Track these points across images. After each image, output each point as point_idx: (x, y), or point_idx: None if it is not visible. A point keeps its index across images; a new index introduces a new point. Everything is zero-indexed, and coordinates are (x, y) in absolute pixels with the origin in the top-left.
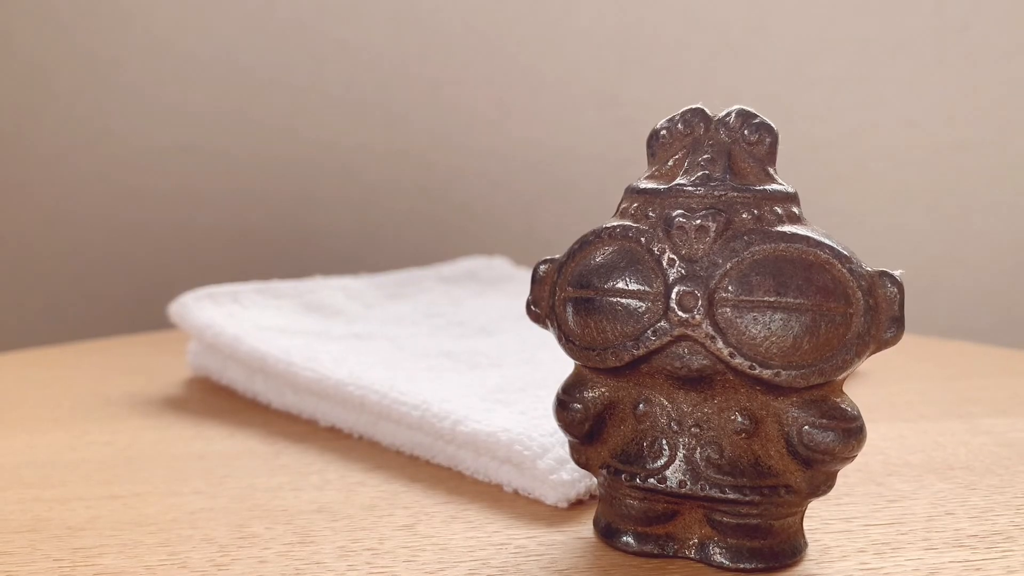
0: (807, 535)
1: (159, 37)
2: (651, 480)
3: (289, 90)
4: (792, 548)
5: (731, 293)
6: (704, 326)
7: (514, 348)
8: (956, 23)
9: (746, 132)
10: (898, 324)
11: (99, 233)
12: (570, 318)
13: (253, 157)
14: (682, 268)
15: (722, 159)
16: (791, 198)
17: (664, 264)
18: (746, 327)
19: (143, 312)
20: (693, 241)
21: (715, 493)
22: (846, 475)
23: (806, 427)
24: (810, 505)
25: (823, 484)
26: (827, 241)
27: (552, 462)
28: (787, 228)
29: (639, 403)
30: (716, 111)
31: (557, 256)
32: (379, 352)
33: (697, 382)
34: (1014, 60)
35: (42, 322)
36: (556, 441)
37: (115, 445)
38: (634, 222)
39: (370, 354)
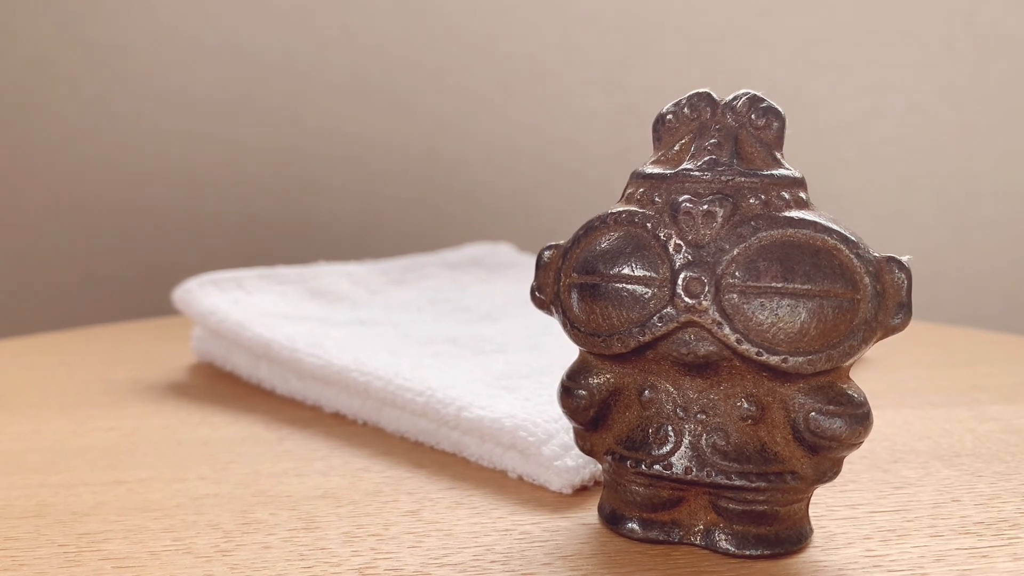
0: (813, 521)
1: (164, 23)
2: (656, 467)
3: (293, 77)
4: (798, 535)
5: (738, 279)
6: (711, 312)
7: (519, 334)
8: (963, 9)
9: (753, 116)
10: (905, 310)
11: (103, 219)
12: (575, 304)
13: (257, 143)
14: (689, 254)
15: (729, 144)
16: (798, 183)
17: (671, 250)
18: (753, 313)
19: (147, 298)
20: (700, 226)
21: (721, 480)
22: (852, 462)
23: (813, 413)
24: (816, 492)
25: (829, 470)
26: (835, 226)
27: (557, 448)
28: (794, 213)
29: (644, 389)
30: (722, 96)
31: (562, 242)
32: (383, 338)
33: (703, 368)
34: (1021, 46)
35: (46, 308)
36: (561, 427)
37: (120, 431)
38: (640, 207)
39: (374, 340)
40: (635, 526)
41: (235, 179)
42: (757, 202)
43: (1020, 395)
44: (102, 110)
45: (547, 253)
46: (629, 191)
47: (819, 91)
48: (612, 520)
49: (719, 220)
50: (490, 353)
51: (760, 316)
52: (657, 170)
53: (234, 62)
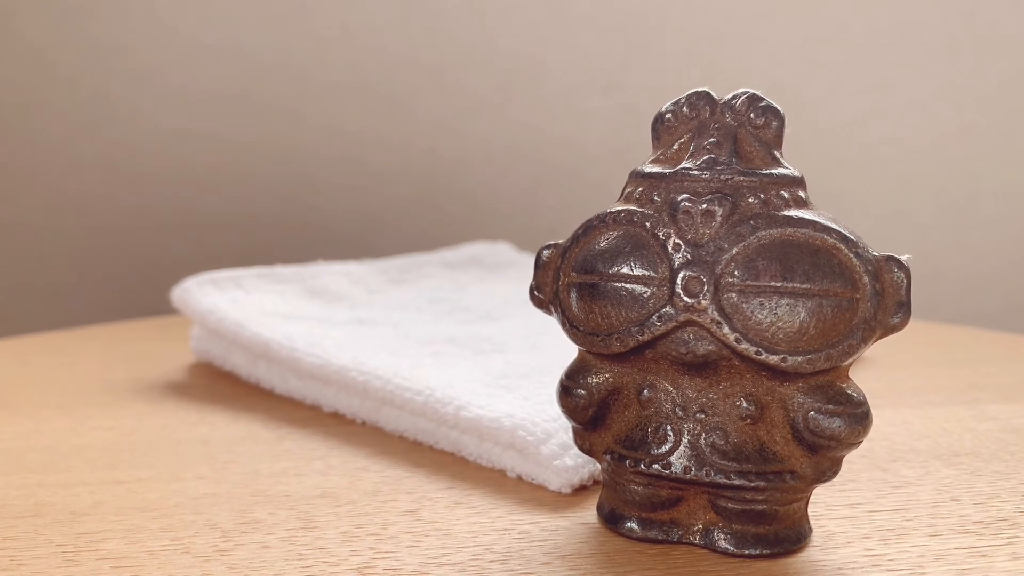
0: (812, 521)
1: (163, 22)
2: (655, 466)
3: (293, 76)
4: (797, 534)
5: (737, 278)
6: (710, 311)
7: (518, 334)
8: (963, 9)
9: (752, 115)
10: (904, 309)
11: (102, 218)
12: (574, 303)
13: (256, 142)
14: (688, 253)
15: (728, 143)
16: (798, 182)
17: (669, 249)
18: (752, 312)
19: (146, 297)
20: (699, 226)
21: (720, 479)
22: (851, 461)
23: (812, 413)
24: (815, 491)
25: (828, 470)
26: (834, 225)
27: (556, 448)
28: (794, 212)
29: (643, 389)
30: (721, 95)
31: (561, 241)
32: (383, 337)
33: (702, 368)
34: (1020, 46)
35: (45, 307)
36: (560, 427)
37: (118, 430)
38: (639, 206)
39: (373, 339)
40: (634, 525)
41: (234, 178)
42: (756, 201)
43: (1020, 394)
44: (102, 109)
45: (546, 252)
46: (628, 190)
47: (819, 91)
48: (611, 519)
49: (718, 219)
50: (489, 352)
51: (759, 315)
52: (656, 169)
53: (234, 62)
